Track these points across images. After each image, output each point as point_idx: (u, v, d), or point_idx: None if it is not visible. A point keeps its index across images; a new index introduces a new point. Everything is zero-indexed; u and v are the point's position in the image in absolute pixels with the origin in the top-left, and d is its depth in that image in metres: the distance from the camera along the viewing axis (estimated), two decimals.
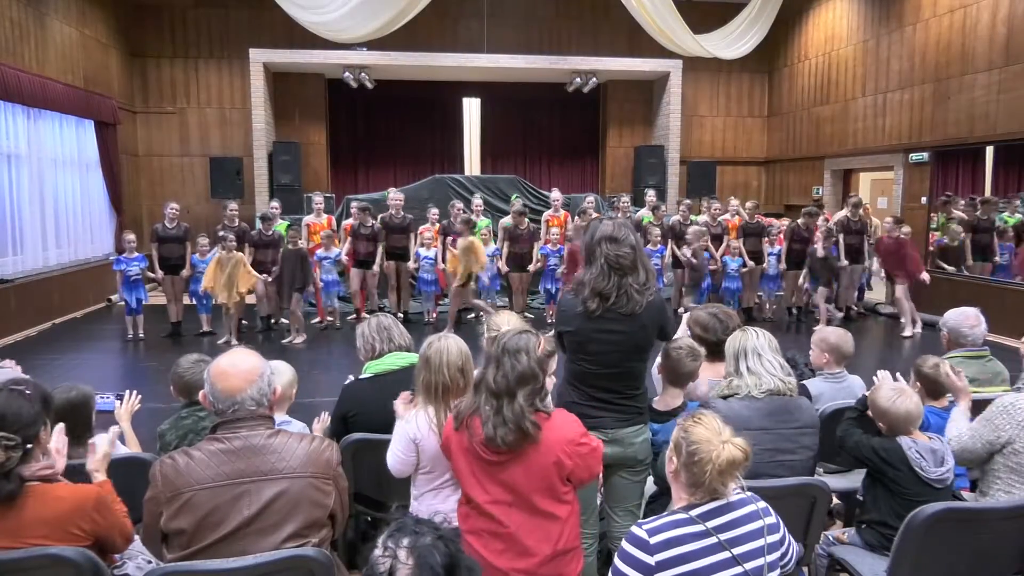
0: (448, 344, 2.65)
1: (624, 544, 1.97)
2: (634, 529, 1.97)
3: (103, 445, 2.41)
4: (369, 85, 13.01)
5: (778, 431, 2.71)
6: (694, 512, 1.97)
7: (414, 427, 2.59)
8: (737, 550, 1.94)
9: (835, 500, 3.64)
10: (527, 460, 2.24)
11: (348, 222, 9.81)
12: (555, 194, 10.39)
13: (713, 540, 1.93)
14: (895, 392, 2.85)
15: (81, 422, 2.80)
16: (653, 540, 1.92)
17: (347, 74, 12.69)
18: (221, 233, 8.52)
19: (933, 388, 3.32)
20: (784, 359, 3.84)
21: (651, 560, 1.90)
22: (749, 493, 2.04)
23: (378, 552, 1.50)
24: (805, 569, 2.97)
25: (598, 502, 3.04)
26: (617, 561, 1.97)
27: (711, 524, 1.95)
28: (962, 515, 2.51)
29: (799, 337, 9.09)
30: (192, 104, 13.51)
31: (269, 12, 11.56)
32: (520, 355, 2.30)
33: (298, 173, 12.67)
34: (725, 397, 2.80)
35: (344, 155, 14.75)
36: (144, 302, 8.81)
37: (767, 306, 10.15)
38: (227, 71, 13.42)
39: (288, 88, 13.46)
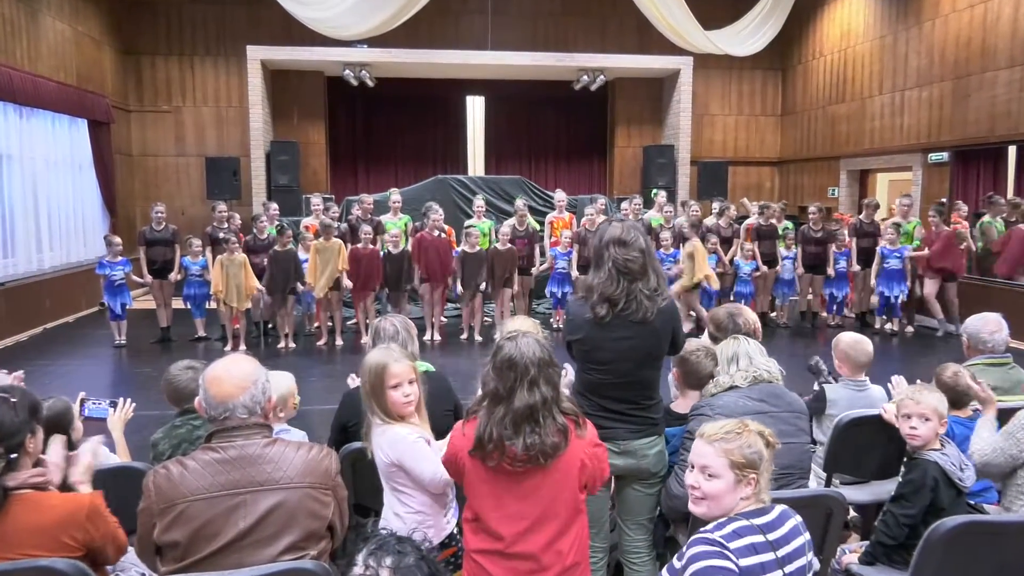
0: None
1: (695, 549, 1.86)
2: (704, 535, 1.88)
3: (85, 456, 2.39)
4: (370, 83, 12.80)
5: (775, 414, 2.74)
6: (756, 521, 1.90)
7: None
8: (788, 568, 1.87)
9: (852, 512, 3.61)
10: (553, 466, 2.20)
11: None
12: (559, 195, 10.10)
13: (772, 556, 1.86)
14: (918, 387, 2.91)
15: (60, 434, 2.69)
16: (732, 546, 1.84)
17: (347, 72, 12.47)
18: (223, 235, 8.36)
19: (954, 397, 3.19)
20: (809, 365, 3.94)
21: (735, 567, 1.81)
22: (785, 506, 2.00)
23: (359, 569, 1.45)
24: None
25: (608, 515, 2.99)
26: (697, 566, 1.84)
27: (771, 537, 1.89)
28: (984, 528, 2.46)
29: (814, 343, 8.83)
30: (188, 103, 13.39)
31: (267, 8, 11.49)
32: (554, 360, 2.27)
33: (296, 173, 12.48)
34: (713, 395, 2.86)
35: (344, 155, 14.60)
36: (128, 307, 8.60)
37: (781, 315, 9.83)
38: (224, 69, 13.30)
39: (286, 86, 13.25)
